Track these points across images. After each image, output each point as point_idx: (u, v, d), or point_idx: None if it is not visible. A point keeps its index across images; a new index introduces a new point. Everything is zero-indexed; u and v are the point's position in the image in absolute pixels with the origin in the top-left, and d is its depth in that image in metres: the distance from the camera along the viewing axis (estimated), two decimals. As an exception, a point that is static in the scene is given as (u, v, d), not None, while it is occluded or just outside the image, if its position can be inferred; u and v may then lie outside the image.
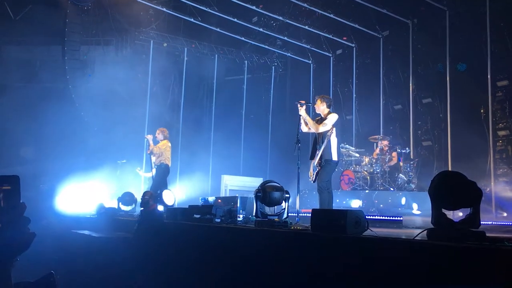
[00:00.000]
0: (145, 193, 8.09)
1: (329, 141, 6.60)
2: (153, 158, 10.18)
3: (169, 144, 9.86)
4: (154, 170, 12.49)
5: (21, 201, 1.34)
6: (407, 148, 11.34)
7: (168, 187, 10.01)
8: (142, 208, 7.85)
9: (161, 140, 9.80)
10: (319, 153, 6.64)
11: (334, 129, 6.63)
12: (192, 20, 13.98)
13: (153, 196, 7.96)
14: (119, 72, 15.52)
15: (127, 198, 10.15)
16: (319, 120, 6.92)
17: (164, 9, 13.75)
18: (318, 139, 6.78)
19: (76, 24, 14.07)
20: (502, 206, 9.81)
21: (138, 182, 13.39)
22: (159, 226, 7.26)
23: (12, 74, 14.37)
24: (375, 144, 11.67)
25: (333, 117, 6.79)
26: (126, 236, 7.46)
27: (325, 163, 6.61)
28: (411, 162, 11.07)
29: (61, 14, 13.85)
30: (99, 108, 14.43)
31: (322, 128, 6.70)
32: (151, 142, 9.89)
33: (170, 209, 8.42)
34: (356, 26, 13.43)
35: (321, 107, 6.96)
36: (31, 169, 12.25)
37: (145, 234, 7.12)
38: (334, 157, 6.67)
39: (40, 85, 14.48)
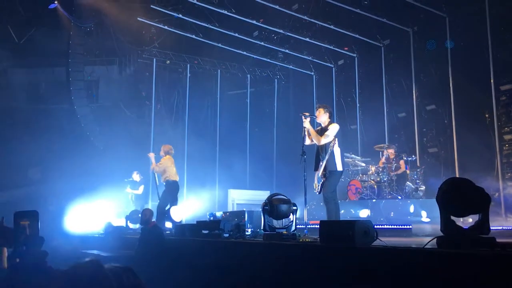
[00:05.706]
0: (144, 211, 8.01)
1: (332, 152, 6.55)
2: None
3: (172, 160, 9.79)
4: (141, 188, 12.54)
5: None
6: (413, 156, 11.30)
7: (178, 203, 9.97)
8: (142, 226, 7.86)
9: (163, 157, 9.80)
10: (322, 164, 6.59)
11: (336, 139, 6.59)
12: (193, 37, 14.08)
13: (152, 213, 7.92)
14: (123, 91, 15.67)
15: (135, 216, 10.14)
16: (320, 130, 6.87)
17: (166, 27, 13.88)
18: (321, 150, 6.73)
19: (79, 46, 14.24)
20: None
21: (146, 200, 13.41)
22: (160, 243, 7.25)
23: (17, 96, 14.53)
24: (380, 152, 11.64)
25: (334, 128, 6.74)
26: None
27: (330, 174, 6.57)
28: (418, 170, 11.00)
29: (64, 36, 14.04)
30: (105, 127, 14.53)
31: (324, 140, 6.65)
32: (153, 160, 9.89)
33: (178, 226, 8.42)
34: (357, 36, 13.46)
35: (323, 117, 6.89)
36: (38, 190, 12.31)
37: (146, 251, 7.12)
38: (339, 167, 6.63)
39: (45, 107, 14.63)
